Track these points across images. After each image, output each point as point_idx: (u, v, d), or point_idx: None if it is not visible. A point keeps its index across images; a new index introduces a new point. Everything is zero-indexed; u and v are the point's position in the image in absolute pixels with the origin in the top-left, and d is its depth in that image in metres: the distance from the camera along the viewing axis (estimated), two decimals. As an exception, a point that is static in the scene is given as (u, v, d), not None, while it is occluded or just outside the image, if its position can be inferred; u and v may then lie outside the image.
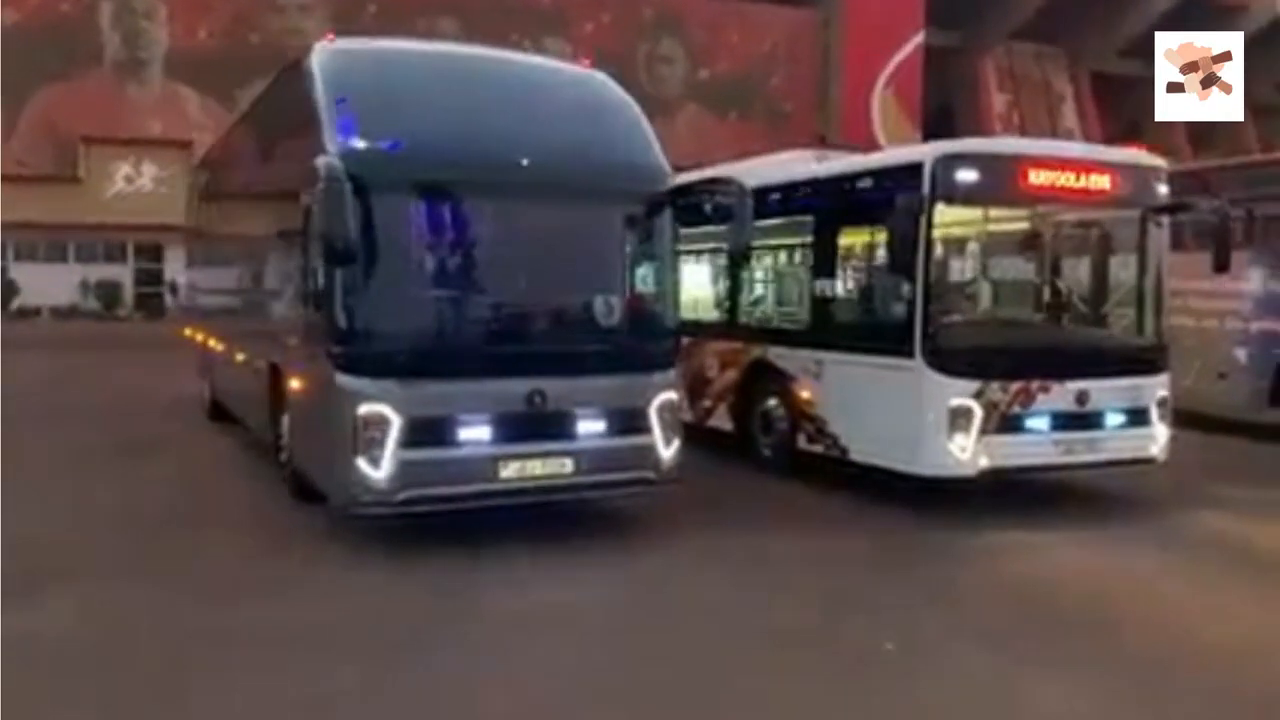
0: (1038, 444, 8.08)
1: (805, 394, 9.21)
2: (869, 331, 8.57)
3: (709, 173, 9.41)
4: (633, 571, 6.81)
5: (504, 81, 7.58)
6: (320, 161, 6.24)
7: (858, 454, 8.68)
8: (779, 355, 9.56)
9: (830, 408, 8.94)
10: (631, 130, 7.64)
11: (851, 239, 8.96)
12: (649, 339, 7.47)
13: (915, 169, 7.92)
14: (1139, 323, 8.70)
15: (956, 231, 8.09)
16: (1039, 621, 5.94)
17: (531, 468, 6.92)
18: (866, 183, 8.61)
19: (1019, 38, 39.72)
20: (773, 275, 10.31)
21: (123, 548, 7.11)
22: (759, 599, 6.22)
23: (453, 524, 7.10)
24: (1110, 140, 35.92)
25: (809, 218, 9.22)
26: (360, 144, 6.52)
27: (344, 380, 6.61)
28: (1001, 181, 7.98)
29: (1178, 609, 6.24)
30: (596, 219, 7.34)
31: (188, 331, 15.20)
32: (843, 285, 8.98)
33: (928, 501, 8.24)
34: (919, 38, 36.40)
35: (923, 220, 7.81)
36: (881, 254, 8.46)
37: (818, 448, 9.12)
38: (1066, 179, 8.07)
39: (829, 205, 8.99)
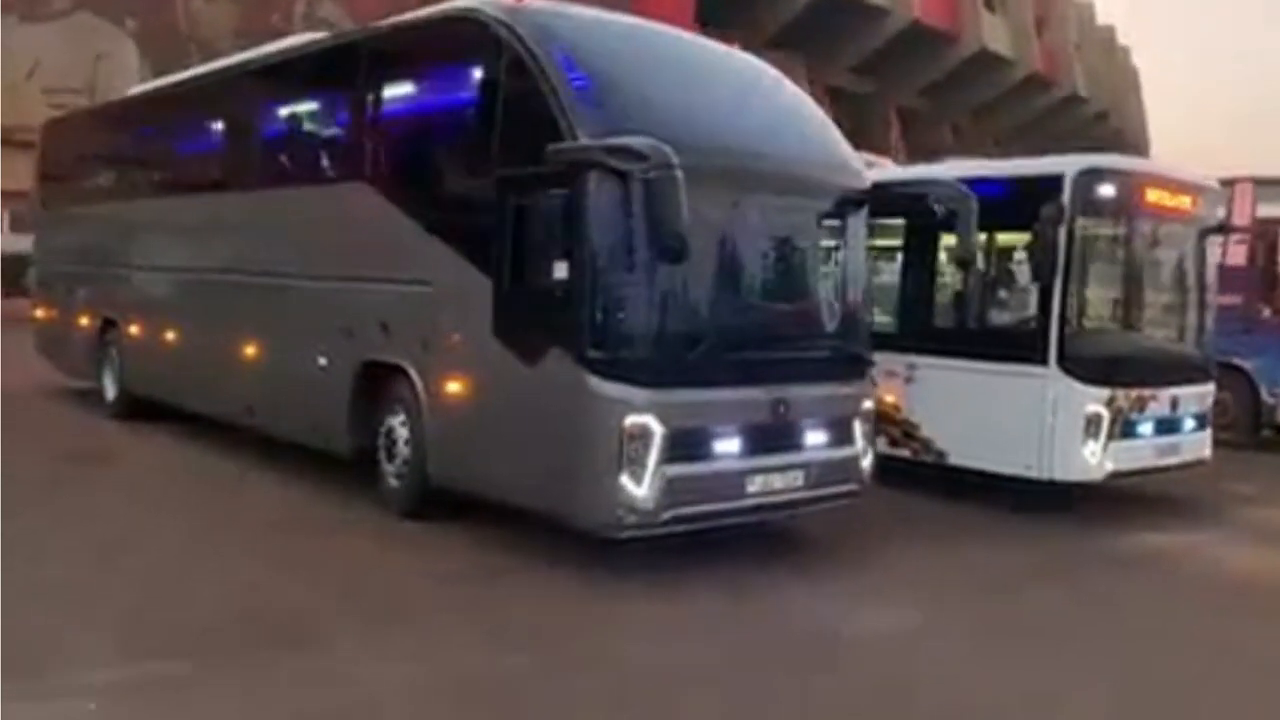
0: (1144, 448, 8.48)
1: (890, 398, 9.12)
2: (986, 337, 8.61)
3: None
4: (875, 590, 6.50)
5: (720, 67, 7.01)
6: (642, 144, 5.48)
7: (960, 458, 8.73)
8: (854, 358, 9.41)
9: (923, 412, 8.95)
10: (829, 126, 7.26)
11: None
12: (858, 344, 7.12)
13: (1055, 180, 8.07)
14: (1198, 333, 9.33)
15: (1085, 242, 8.33)
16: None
17: (771, 482, 6.41)
18: (995, 191, 8.64)
19: (771, 46, 41.54)
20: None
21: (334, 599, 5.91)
22: (1053, 618, 6.10)
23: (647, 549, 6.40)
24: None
25: (902, 221, 9.12)
26: (634, 128, 5.75)
27: (605, 388, 5.82)
28: (1128, 197, 8.29)
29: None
30: (821, 217, 6.87)
31: (39, 313, 12.92)
32: (948, 290, 8.98)
33: (1027, 506, 8.41)
34: (691, 37, 37.17)
35: (1062, 231, 8.00)
36: (1008, 262, 8.59)
37: (905, 452, 9.09)
38: (1169, 197, 8.58)
39: (938, 211, 8.93)
